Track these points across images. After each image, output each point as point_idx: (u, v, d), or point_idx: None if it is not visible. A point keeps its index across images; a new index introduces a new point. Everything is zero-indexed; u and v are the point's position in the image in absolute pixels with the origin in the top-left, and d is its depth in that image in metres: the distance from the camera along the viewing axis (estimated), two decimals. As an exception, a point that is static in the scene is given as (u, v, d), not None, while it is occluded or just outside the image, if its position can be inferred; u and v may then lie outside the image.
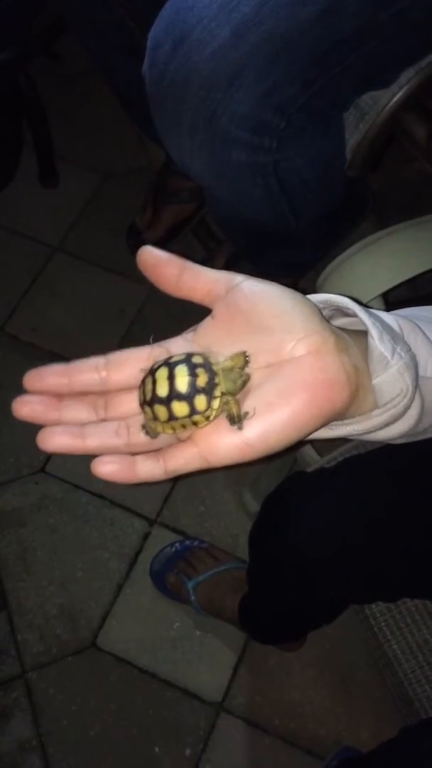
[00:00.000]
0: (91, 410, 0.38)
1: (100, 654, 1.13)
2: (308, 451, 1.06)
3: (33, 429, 1.37)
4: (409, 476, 0.74)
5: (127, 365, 0.38)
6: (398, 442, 0.42)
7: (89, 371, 0.38)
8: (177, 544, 1.19)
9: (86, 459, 1.36)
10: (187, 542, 1.19)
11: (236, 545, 1.21)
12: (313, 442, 0.75)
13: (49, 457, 1.28)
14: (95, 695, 1.11)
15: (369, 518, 0.72)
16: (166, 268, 0.37)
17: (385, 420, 0.39)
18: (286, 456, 1.15)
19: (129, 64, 0.89)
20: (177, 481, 1.28)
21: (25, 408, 0.37)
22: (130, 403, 0.38)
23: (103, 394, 0.38)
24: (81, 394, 0.38)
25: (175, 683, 1.12)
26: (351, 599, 0.83)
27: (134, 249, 1.45)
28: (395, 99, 0.75)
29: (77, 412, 0.37)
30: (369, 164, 0.82)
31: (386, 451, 0.80)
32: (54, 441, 0.37)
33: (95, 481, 1.45)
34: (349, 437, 0.40)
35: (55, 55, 1.71)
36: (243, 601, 1.03)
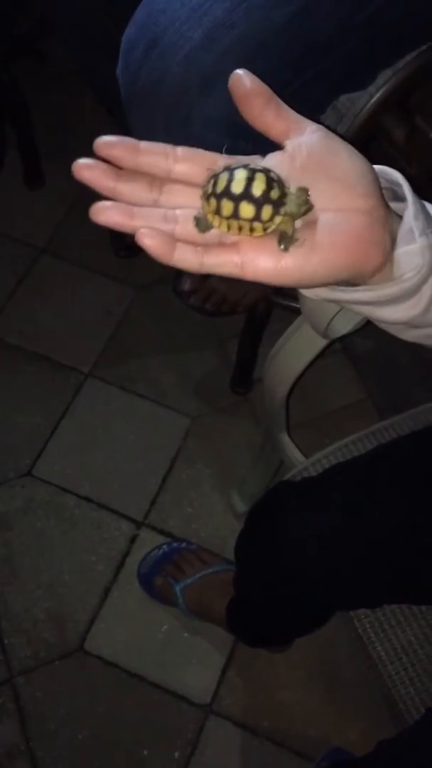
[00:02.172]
0: (146, 187, 0.38)
1: (88, 657, 1.13)
2: (294, 453, 1.06)
3: (19, 432, 1.36)
4: (391, 484, 0.74)
5: (195, 161, 0.39)
6: (406, 336, 0.44)
7: (158, 154, 0.38)
8: (164, 547, 1.18)
9: (73, 461, 1.35)
10: (175, 544, 1.19)
11: (224, 546, 1.21)
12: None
13: (36, 460, 1.27)
14: (83, 699, 1.11)
15: (353, 528, 0.73)
16: (254, 98, 0.38)
17: (394, 292, 0.40)
18: (271, 457, 1.15)
19: (109, 65, 0.88)
20: (164, 482, 1.28)
21: (87, 171, 0.37)
22: (185, 195, 0.39)
23: (162, 179, 0.39)
24: (142, 174, 0.39)
25: (163, 686, 1.12)
26: (336, 607, 0.83)
27: (119, 250, 1.45)
28: (373, 101, 0.74)
29: (133, 185, 0.38)
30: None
31: (369, 459, 0.80)
32: (105, 215, 0.37)
33: (82, 483, 1.44)
34: (357, 303, 0.42)
35: (39, 54, 1.70)
36: (231, 605, 1.03)
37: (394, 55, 0.72)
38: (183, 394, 1.36)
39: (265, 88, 0.38)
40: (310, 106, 0.71)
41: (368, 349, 1.40)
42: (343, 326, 0.79)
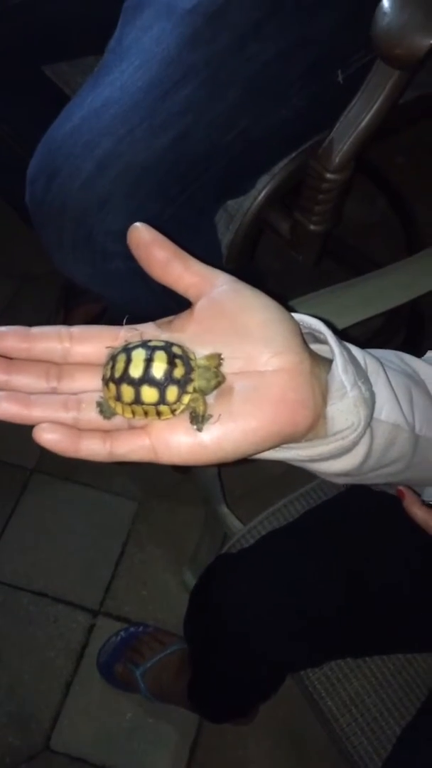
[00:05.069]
0: (42, 377, 0.36)
1: (55, 756, 1.12)
2: (233, 523, 1.11)
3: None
4: (319, 547, 0.79)
5: (94, 340, 0.37)
6: (340, 481, 0.42)
7: (52, 339, 0.36)
8: (122, 633, 1.20)
9: (25, 558, 1.36)
10: (132, 629, 1.20)
11: (182, 624, 1.23)
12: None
13: (-13, 562, 1.29)
14: (53, 801, 1.09)
15: (287, 598, 0.76)
16: (156, 250, 0.36)
17: (330, 451, 0.38)
18: (215, 530, 1.19)
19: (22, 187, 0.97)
20: (117, 568, 1.30)
21: None
22: (87, 378, 0.37)
23: (60, 365, 0.37)
24: (37, 362, 0.37)
25: (133, 776, 1.11)
26: (285, 671, 0.87)
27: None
28: (256, 203, 0.85)
29: (27, 376, 0.36)
30: (245, 257, 0.91)
31: (296, 526, 0.85)
32: None
33: (36, 579, 1.44)
34: (291, 462, 0.39)
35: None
36: (190, 683, 1.04)
37: (267, 164, 0.83)
38: (128, 479, 1.40)
39: (166, 242, 0.36)
40: (199, 213, 0.81)
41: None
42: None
